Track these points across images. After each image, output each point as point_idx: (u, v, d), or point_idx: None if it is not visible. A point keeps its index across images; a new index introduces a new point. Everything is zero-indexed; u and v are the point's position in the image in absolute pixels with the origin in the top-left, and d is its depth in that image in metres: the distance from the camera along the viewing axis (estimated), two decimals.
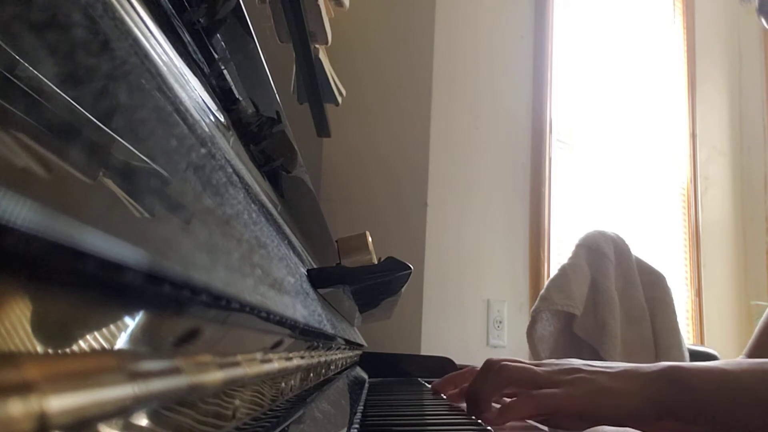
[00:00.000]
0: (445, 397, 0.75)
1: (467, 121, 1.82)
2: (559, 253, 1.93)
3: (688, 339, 2.24)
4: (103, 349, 0.12)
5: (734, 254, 2.53)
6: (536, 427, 0.56)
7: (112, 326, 0.12)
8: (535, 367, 0.56)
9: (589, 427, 0.55)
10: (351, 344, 0.72)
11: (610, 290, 1.51)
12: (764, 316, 0.83)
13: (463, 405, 0.62)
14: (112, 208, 0.12)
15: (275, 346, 0.27)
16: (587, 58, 2.28)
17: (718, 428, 0.50)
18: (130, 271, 0.11)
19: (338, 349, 0.59)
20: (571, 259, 1.55)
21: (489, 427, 0.50)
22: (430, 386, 0.76)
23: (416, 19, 1.78)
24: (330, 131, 0.87)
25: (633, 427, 0.55)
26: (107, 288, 0.11)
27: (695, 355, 1.69)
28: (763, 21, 0.82)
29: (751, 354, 0.82)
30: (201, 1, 0.36)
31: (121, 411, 0.11)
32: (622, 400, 0.51)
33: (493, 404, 0.57)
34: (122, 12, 0.19)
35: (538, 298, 1.52)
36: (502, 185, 1.87)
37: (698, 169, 2.46)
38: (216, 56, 0.39)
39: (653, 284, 1.61)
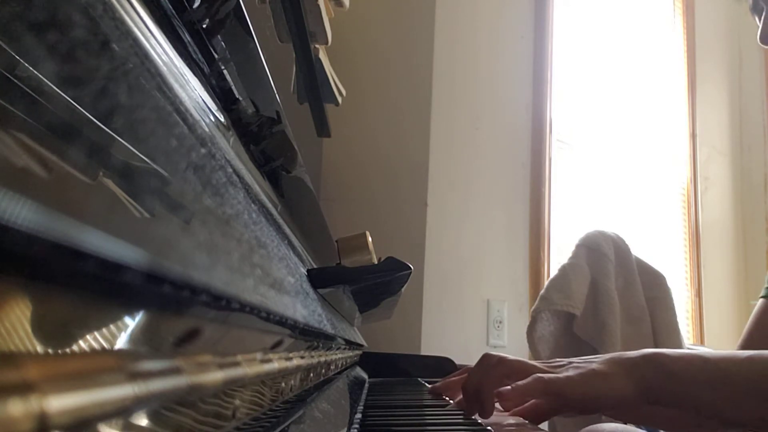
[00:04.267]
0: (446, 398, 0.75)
1: (467, 121, 1.81)
2: (559, 253, 1.93)
3: (688, 339, 2.25)
4: (103, 349, 0.12)
5: (734, 254, 2.53)
6: (536, 428, 0.56)
7: (112, 326, 0.12)
8: (532, 362, 0.60)
9: (590, 420, 0.55)
10: (351, 344, 0.72)
11: (610, 290, 1.51)
12: (755, 310, 0.83)
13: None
14: (112, 208, 0.12)
15: (275, 346, 0.27)
16: (587, 58, 2.28)
17: (701, 414, 0.52)
18: (130, 271, 0.11)
19: (338, 349, 0.59)
20: (571, 259, 1.55)
21: (489, 428, 0.50)
22: (429, 387, 0.77)
23: (416, 19, 1.78)
24: (330, 131, 0.87)
25: (628, 411, 0.58)
26: (107, 288, 0.11)
27: None
28: (756, 19, 0.82)
29: (743, 347, 0.82)
30: (201, 1, 0.36)
31: (121, 411, 0.11)
32: (615, 383, 0.53)
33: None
34: (122, 12, 0.19)
35: (538, 298, 1.52)
36: (502, 185, 1.87)
37: (698, 169, 2.45)
38: (216, 56, 0.39)
39: (653, 284, 1.61)
